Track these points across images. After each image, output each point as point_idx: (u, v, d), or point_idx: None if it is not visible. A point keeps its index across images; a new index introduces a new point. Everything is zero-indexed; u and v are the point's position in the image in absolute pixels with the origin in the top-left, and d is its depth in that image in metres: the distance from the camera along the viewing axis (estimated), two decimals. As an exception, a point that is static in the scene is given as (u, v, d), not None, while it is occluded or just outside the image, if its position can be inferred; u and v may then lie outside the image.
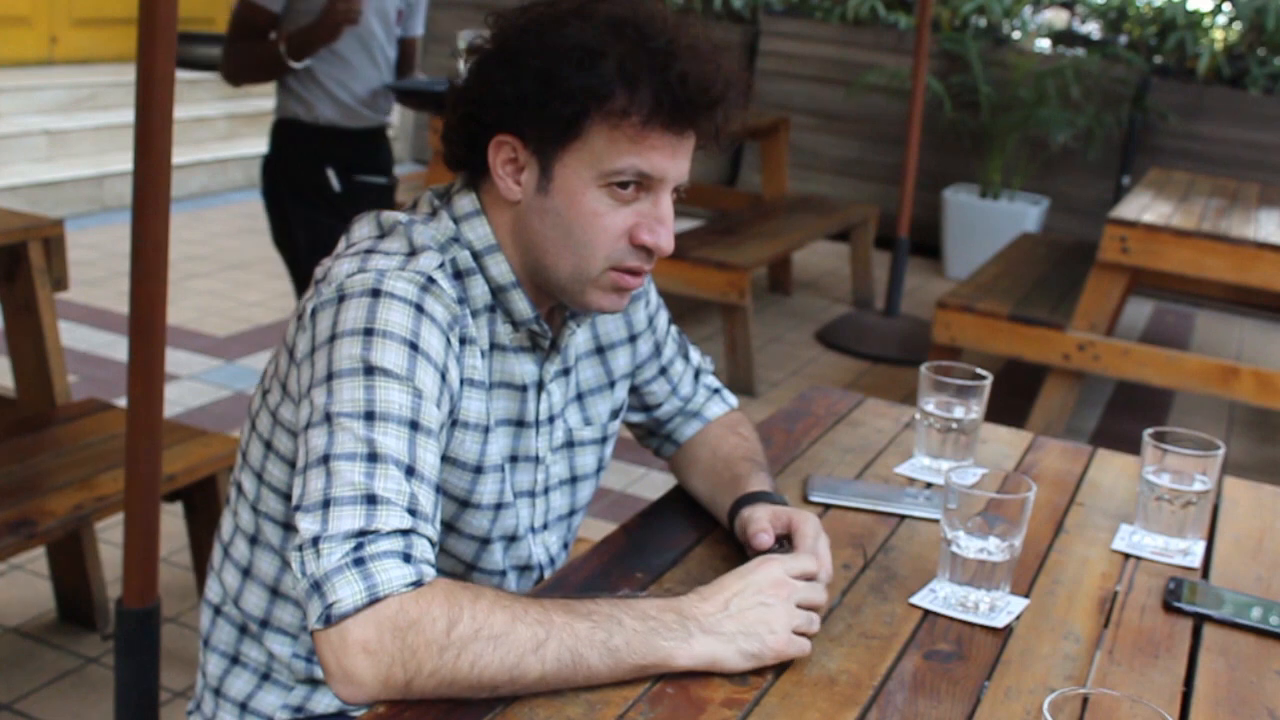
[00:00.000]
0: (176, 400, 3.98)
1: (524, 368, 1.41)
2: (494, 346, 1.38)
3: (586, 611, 1.16)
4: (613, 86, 1.26)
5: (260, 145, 7.17)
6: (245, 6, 3.10)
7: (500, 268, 1.36)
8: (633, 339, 1.55)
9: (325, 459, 1.17)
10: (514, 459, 1.42)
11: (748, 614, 1.21)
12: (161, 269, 1.86)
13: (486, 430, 1.36)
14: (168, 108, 1.80)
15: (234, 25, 3.15)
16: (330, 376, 1.21)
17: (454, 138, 1.37)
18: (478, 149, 1.34)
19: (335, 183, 3.14)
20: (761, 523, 1.40)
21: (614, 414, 1.54)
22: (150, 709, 2.04)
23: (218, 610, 1.47)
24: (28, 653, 2.67)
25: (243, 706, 1.44)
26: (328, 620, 1.10)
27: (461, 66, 2.71)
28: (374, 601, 1.10)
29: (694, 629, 1.19)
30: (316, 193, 3.14)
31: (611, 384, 1.53)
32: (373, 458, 1.16)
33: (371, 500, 1.15)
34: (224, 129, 7.18)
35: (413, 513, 1.16)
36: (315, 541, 1.13)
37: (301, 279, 3.24)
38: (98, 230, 5.68)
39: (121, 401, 2.12)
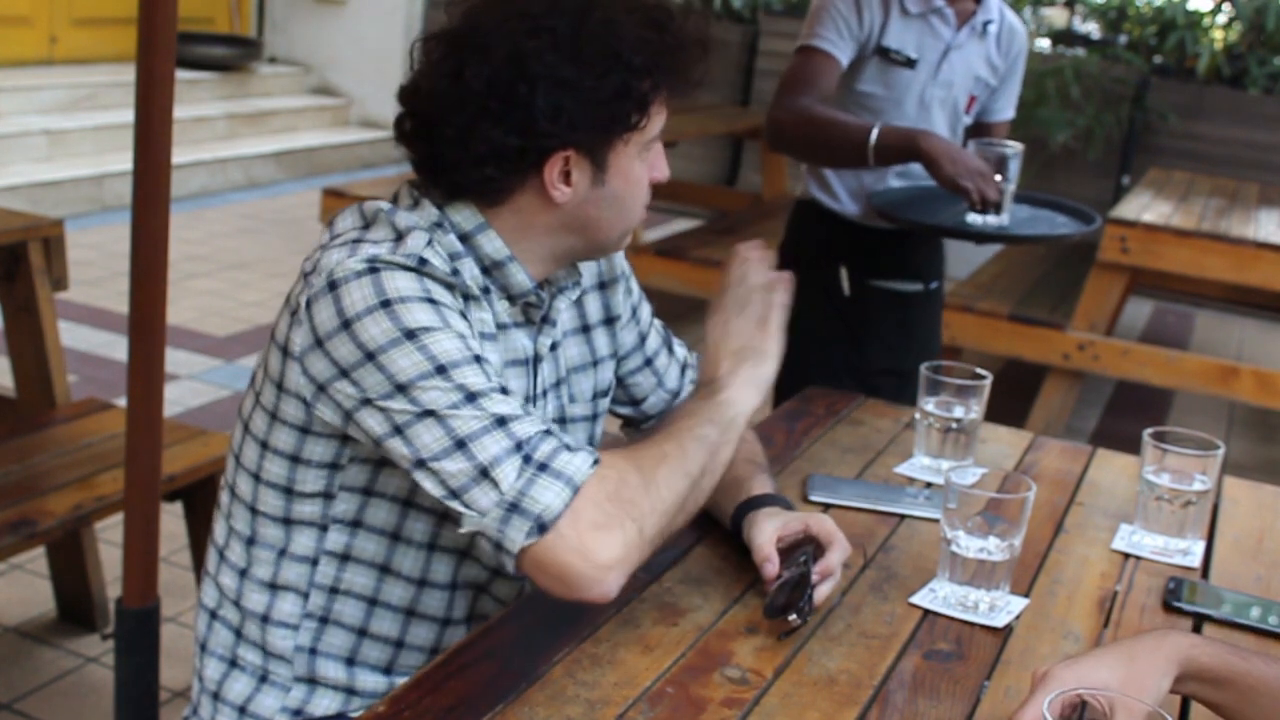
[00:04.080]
0: (176, 400, 3.98)
1: (522, 342, 1.42)
2: (495, 324, 1.39)
3: (695, 417, 1.33)
4: (658, 72, 1.33)
5: (259, 145, 7.20)
6: (813, 54, 2.44)
7: (493, 244, 1.36)
8: (610, 321, 1.56)
9: (428, 413, 1.21)
10: None
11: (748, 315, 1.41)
12: (161, 269, 1.86)
13: (504, 391, 1.37)
14: (168, 108, 1.80)
15: (795, 78, 2.45)
16: (371, 355, 1.23)
17: (490, 172, 1.33)
18: (517, 171, 1.33)
19: (846, 285, 2.57)
20: (765, 550, 1.39)
21: (598, 394, 1.56)
22: (150, 709, 2.04)
23: (214, 614, 1.46)
24: (27, 653, 2.67)
25: (241, 710, 1.44)
26: (541, 529, 1.18)
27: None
28: (576, 491, 1.19)
29: (740, 380, 1.37)
30: (821, 292, 2.57)
31: (595, 363, 1.55)
32: (472, 397, 1.22)
33: (501, 422, 1.21)
34: (224, 129, 7.18)
35: (533, 418, 1.23)
36: (483, 474, 1.19)
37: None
38: (98, 230, 5.68)
39: (121, 401, 2.12)
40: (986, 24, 2.50)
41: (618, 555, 1.19)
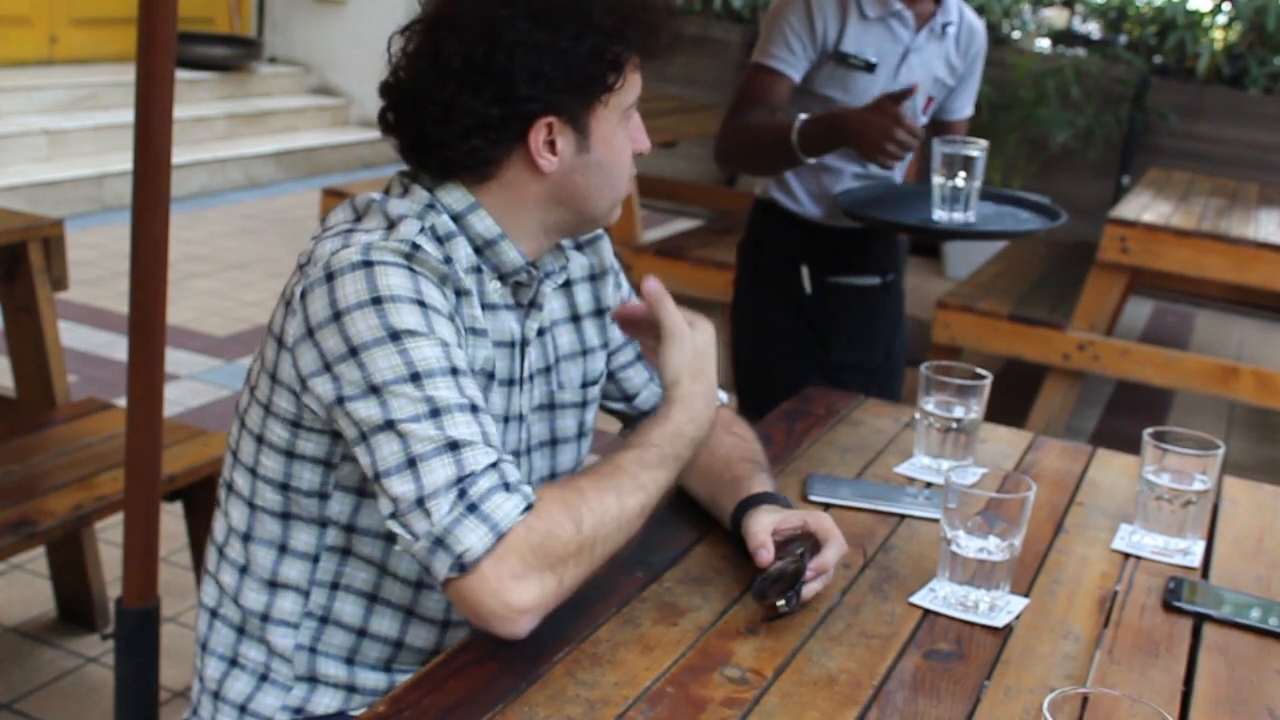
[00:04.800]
0: (176, 400, 3.98)
1: (510, 325, 1.43)
2: (485, 306, 1.40)
3: (656, 461, 1.31)
4: (629, 33, 1.35)
5: (259, 145, 7.20)
6: (760, 73, 2.45)
7: (484, 223, 1.38)
8: (600, 312, 1.57)
9: (389, 424, 1.22)
10: (505, 419, 1.44)
11: (700, 356, 1.39)
12: (161, 269, 1.86)
13: (491, 377, 1.40)
14: (168, 108, 1.80)
15: (742, 96, 2.47)
16: (355, 350, 1.24)
17: (477, 140, 1.35)
18: (503, 143, 1.35)
19: (807, 284, 2.58)
20: (760, 537, 1.41)
21: (587, 383, 1.56)
22: (150, 709, 2.04)
23: (214, 613, 1.46)
24: (27, 653, 2.67)
25: (242, 709, 1.44)
26: (461, 569, 1.18)
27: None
28: (500, 537, 1.18)
29: (676, 406, 1.37)
30: (784, 292, 2.60)
31: (584, 352, 1.56)
32: (435, 413, 1.22)
33: (454, 447, 1.21)
34: (224, 129, 7.18)
35: (490, 445, 1.23)
36: (419, 502, 1.19)
37: (737, 385, 2.69)
38: (98, 230, 5.68)
39: (121, 401, 2.13)
40: (945, 26, 2.50)
41: (532, 603, 1.19)
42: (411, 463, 1.20)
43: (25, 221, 2.73)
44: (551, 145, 1.37)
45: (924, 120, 2.55)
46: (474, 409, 1.24)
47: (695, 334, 1.39)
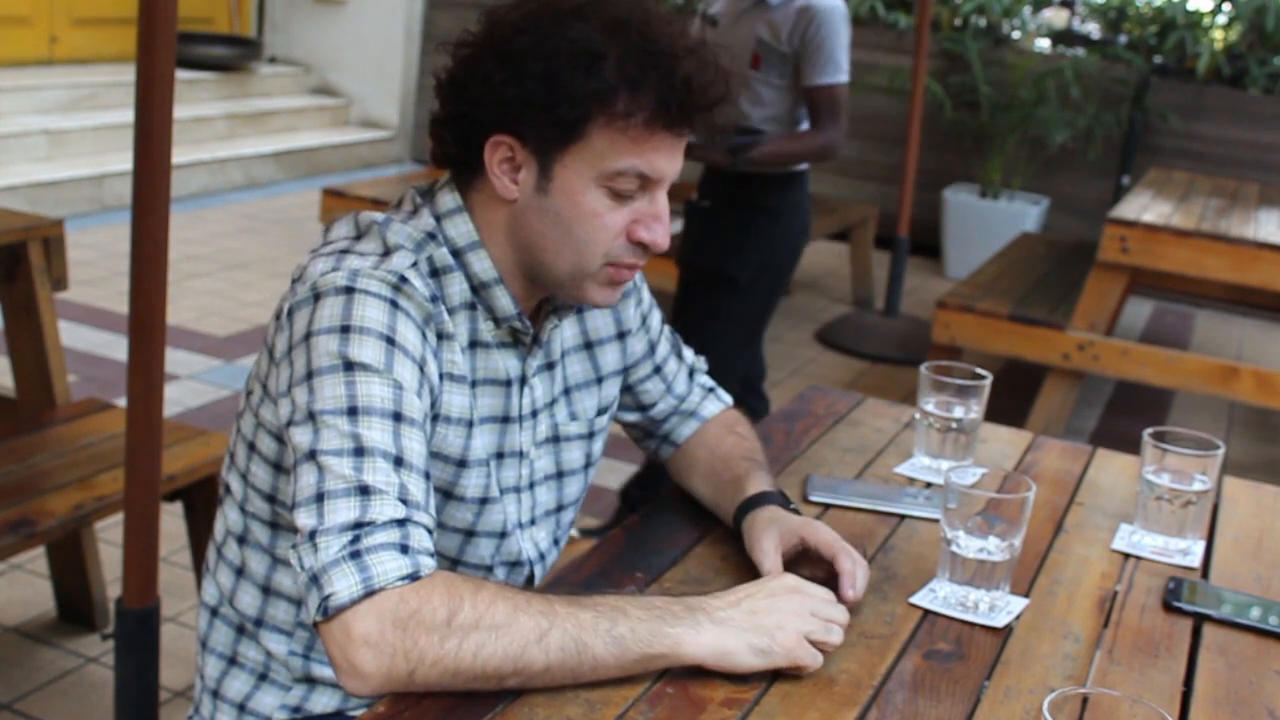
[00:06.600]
0: (176, 400, 3.98)
1: (507, 363, 1.41)
2: (475, 344, 1.37)
3: (591, 603, 1.17)
4: (616, 89, 1.26)
5: (259, 145, 7.20)
6: None
7: (483, 264, 1.36)
8: (621, 336, 1.55)
9: (313, 455, 1.19)
10: (500, 455, 1.42)
11: (759, 612, 1.22)
12: (161, 269, 1.86)
13: (470, 425, 1.36)
14: (168, 108, 1.80)
15: None
16: (310, 374, 1.22)
17: (446, 135, 1.36)
18: (471, 147, 1.33)
19: (694, 199, 3.43)
20: (771, 558, 1.39)
21: (601, 410, 1.54)
22: (150, 709, 2.04)
23: (214, 612, 1.47)
24: (27, 653, 2.67)
25: (240, 708, 1.44)
26: (325, 612, 1.12)
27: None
28: (370, 594, 1.11)
29: (702, 619, 1.19)
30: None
31: (599, 380, 1.53)
32: (359, 452, 1.18)
33: (364, 491, 1.16)
34: (224, 129, 7.18)
35: (405, 502, 1.18)
36: (312, 535, 1.15)
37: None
38: (98, 230, 5.68)
39: (121, 401, 2.13)
40: (759, 1, 3.23)
41: (374, 673, 1.11)
42: (320, 498, 1.16)
43: (25, 221, 2.73)
44: (514, 171, 1.32)
45: (759, 75, 3.24)
46: (399, 461, 1.19)
47: (807, 598, 1.25)
